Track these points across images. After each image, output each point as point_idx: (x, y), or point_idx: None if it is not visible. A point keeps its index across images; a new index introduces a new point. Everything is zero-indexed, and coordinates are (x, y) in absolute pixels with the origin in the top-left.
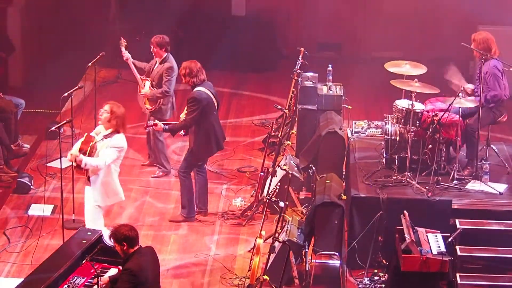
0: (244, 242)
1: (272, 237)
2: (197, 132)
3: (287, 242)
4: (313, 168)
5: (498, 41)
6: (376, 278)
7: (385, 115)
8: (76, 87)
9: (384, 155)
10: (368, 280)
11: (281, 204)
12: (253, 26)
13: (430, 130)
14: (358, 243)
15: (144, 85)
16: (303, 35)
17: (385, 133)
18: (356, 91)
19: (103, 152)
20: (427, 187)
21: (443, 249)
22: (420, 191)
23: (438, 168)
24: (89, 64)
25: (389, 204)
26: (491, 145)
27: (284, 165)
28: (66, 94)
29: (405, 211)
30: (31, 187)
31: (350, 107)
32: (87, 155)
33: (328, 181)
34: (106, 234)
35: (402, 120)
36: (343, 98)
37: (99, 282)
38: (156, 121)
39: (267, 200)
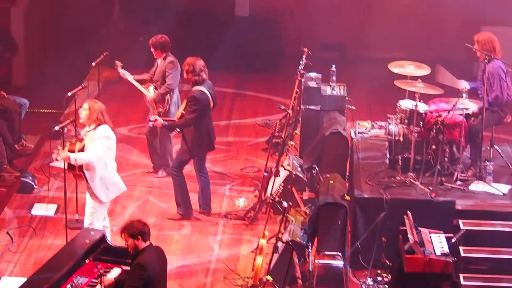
0: (247, 242)
1: (275, 238)
2: (191, 131)
3: (290, 243)
4: (317, 168)
5: (501, 42)
6: (379, 278)
7: (388, 115)
8: (80, 87)
9: (388, 156)
10: (371, 281)
11: (285, 204)
12: (257, 26)
13: (434, 130)
14: (362, 243)
15: (149, 91)
16: (306, 35)
17: (388, 134)
18: (360, 92)
19: (91, 146)
20: (430, 188)
21: (446, 250)
22: (423, 192)
23: (441, 169)
24: (93, 64)
25: (392, 205)
26: (495, 146)
27: (288, 165)
28: (69, 94)
29: (408, 212)
30: (35, 187)
31: (353, 107)
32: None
33: (331, 182)
34: (108, 234)
35: (406, 121)
36: (347, 98)
37: (102, 282)
38: (156, 117)
39: (271, 201)
